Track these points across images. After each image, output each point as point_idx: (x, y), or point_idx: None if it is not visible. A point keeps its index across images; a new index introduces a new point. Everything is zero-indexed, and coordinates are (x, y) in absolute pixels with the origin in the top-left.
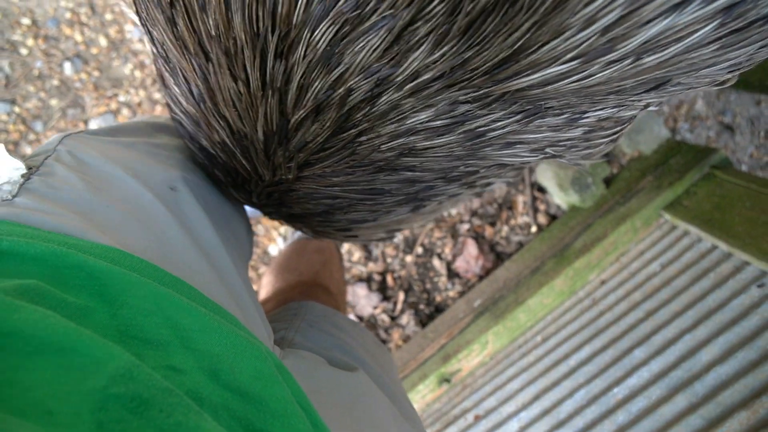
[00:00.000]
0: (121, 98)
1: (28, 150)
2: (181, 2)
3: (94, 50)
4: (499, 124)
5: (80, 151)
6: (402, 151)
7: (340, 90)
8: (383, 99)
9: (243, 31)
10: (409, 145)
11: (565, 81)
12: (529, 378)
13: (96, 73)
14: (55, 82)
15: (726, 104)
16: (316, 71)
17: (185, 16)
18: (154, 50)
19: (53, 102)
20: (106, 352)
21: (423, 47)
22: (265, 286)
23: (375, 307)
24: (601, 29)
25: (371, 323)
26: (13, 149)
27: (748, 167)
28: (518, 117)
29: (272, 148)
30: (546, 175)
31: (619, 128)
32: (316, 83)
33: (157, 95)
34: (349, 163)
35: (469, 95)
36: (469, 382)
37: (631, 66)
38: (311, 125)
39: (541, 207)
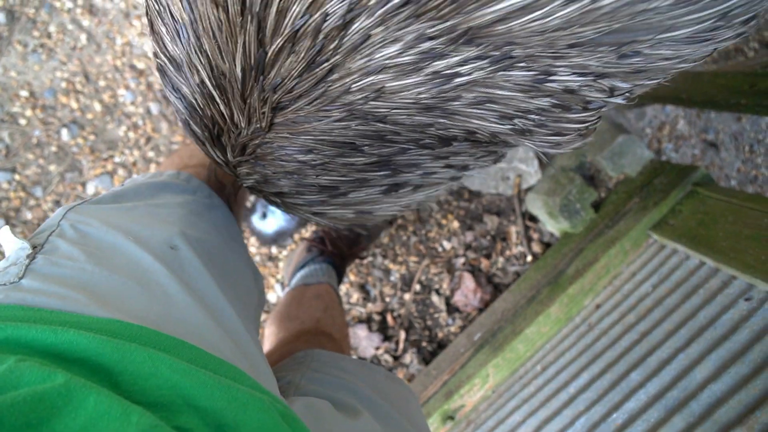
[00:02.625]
0: (117, 159)
1: (28, 215)
2: None
3: (89, 115)
4: (465, 68)
5: (82, 223)
6: (372, 93)
7: (316, 15)
8: (355, 27)
9: None
10: (379, 86)
11: (527, 18)
12: (530, 409)
13: (92, 137)
14: (53, 149)
15: (707, 122)
16: None
17: None
18: None
19: (52, 167)
20: (129, 414)
21: None
22: (268, 337)
23: (377, 348)
24: None
25: (374, 364)
26: (15, 216)
27: (737, 182)
28: (484, 63)
29: (249, 86)
30: (536, 204)
31: (586, 116)
32: (294, 6)
33: (151, 153)
34: (320, 106)
35: (436, 28)
36: (473, 417)
37: (590, 7)
38: (287, 58)
39: (535, 236)
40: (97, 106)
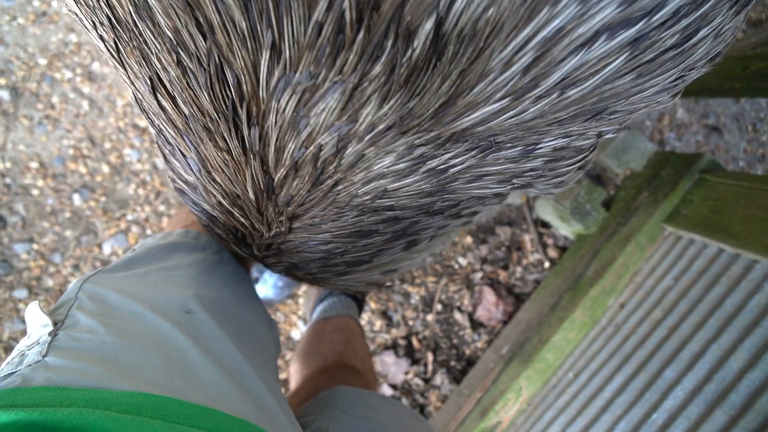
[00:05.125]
0: (129, 217)
1: (50, 283)
2: (162, 89)
3: (98, 178)
4: (457, 160)
5: (99, 293)
6: (376, 194)
7: (311, 147)
8: (349, 151)
9: (213, 108)
10: (381, 188)
11: (503, 117)
12: (568, 419)
13: (103, 199)
14: (67, 214)
15: (706, 107)
16: (288, 134)
17: (169, 100)
18: (155, 132)
19: (68, 233)
20: None
21: (372, 103)
22: (293, 375)
23: (406, 373)
24: (521, 70)
25: (406, 389)
26: (36, 285)
27: (745, 163)
28: (473, 153)
29: (263, 204)
30: (546, 209)
31: (581, 156)
32: (290, 144)
33: (162, 207)
34: (333, 210)
35: (422, 138)
36: None
37: (559, 99)
38: (293, 181)
39: (549, 241)
40: (105, 168)
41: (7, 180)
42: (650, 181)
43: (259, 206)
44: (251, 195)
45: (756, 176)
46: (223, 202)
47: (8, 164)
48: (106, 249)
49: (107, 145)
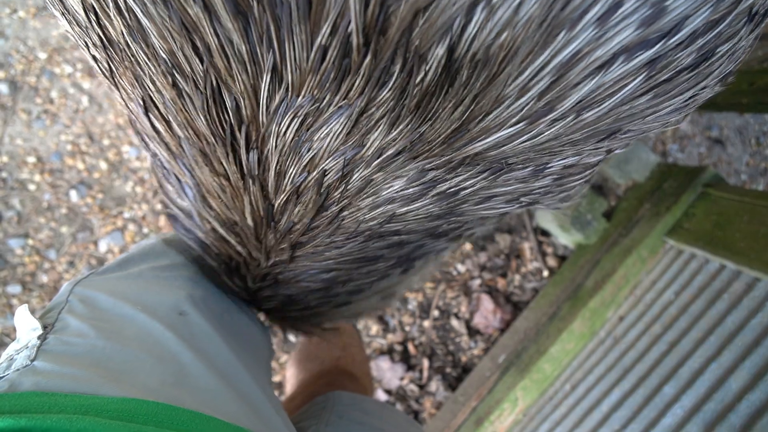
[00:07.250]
0: (126, 215)
1: (44, 279)
2: (155, 110)
3: (96, 174)
4: (468, 183)
5: (90, 297)
6: (384, 219)
7: (315, 173)
8: (356, 176)
9: (210, 132)
10: (389, 213)
11: (517, 141)
12: None
13: (100, 196)
14: (64, 210)
15: (710, 119)
16: (289, 158)
17: (163, 123)
18: (150, 156)
19: (63, 229)
20: None
21: (380, 128)
22: (289, 379)
23: (401, 378)
24: (537, 95)
25: (400, 395)
26: (31, 280)
27: (747, 176)
28: (485, 175)
29: (262, 232)
30: (546, 218)
31: (589, 171)
32: (291, 169)
33: (159, 206)
34: (338, 237)
35: (433, 163)
36: None
37: (574, 121)
38: (294, 207)
39: (549, 250)
40: (103, 165)
41: (4, 174)
42: (652, 193)
43: (257, 233)
44: (249, 222)
45: (759, 192)
46: (219, 228)
47: (5, 158)
48: (102, 246)
49: (106, 142)
